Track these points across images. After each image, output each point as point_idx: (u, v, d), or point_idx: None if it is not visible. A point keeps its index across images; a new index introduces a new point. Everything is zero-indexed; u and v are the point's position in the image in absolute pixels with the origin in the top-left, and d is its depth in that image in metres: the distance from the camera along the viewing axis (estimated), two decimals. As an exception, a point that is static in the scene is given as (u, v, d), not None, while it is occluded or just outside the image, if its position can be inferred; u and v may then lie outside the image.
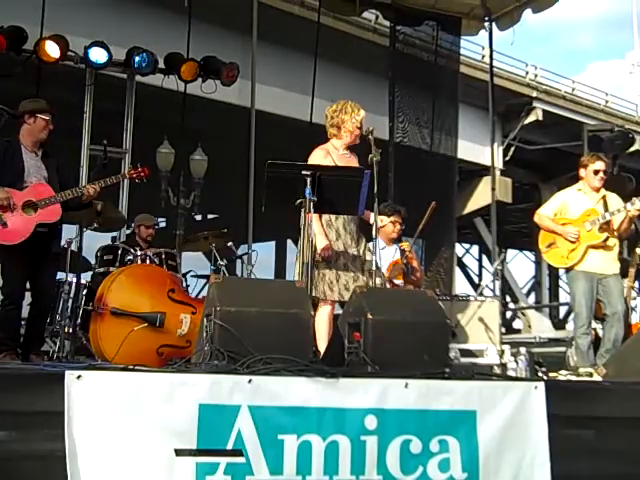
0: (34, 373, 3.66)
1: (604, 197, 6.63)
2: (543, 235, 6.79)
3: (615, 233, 6.58)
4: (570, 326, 25.48)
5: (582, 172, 6.73)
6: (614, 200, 6.68)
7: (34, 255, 5.59)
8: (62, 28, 9.19)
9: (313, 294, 5.13)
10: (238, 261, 8.84)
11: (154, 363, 5.47)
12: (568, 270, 6.67)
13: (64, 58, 8.79)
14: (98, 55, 8.86)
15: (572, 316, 6.87)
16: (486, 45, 13.23)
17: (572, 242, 6.54)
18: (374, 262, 5.19)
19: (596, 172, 6.63)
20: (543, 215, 6.79)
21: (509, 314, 26.27)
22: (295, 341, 3.89)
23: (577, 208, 6.67)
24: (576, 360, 6.54)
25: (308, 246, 4.90)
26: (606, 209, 6.55)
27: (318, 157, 5.45)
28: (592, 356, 6.41)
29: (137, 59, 9.13)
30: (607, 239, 6.54)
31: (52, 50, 8.63)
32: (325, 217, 5.36)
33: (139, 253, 6.86)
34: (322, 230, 5.31)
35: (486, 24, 10.98)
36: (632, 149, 10.59)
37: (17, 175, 5.56)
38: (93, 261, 7.16)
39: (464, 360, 7.01)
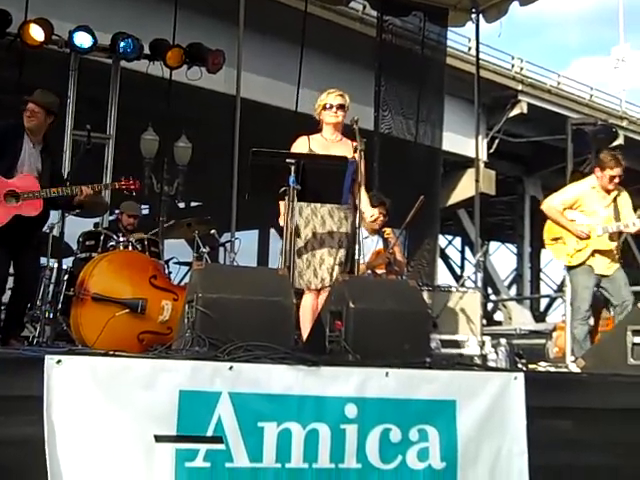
0: (13, 357, 3.64)
1: (615, 199, 6.49)
2: (549, 227, 6.63)
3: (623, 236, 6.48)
4: (550, 319, 25.77)
5: (598, 172, 6.48)
6: (625, 201, 6.53)
7: (16, 240, 5.54)
8: (47, 12, 9.11)
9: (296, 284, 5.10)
10: (221, 249, 8.84)
11: (135, 349, 5.43)
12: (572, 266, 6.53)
13: (49, 42, 8.72)
14: (83, 40, 8.79)
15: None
16: (472, 37, 13.22)
17: (582, 239, 6.38)
18: (357, 251, 5.18)
19: (612, 177, 6.41)
20: (552, 207, 6.59)
21: (490, 306, 26.41)
22: (277, 329, 3.89)
23: (590, 206, 6.49)
24: (572, 350, 6.44)
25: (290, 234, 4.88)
26: (617, 213, 6.43)
27: (298, 142, 5.43)
28: (588, 346, 6.27)
29: (122, 44, 9.08)
30: (614, 244, 6.43)
31: (36, 33, 8.56)
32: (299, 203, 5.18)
33: (122, 239, 6.83)
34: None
35: (473, 16, 10.97)
36: (615, 143, 10.63)
37: (11, 162, 5.49)
38: (75, 246, 7.12)
39: (445, 350, 7.03)
